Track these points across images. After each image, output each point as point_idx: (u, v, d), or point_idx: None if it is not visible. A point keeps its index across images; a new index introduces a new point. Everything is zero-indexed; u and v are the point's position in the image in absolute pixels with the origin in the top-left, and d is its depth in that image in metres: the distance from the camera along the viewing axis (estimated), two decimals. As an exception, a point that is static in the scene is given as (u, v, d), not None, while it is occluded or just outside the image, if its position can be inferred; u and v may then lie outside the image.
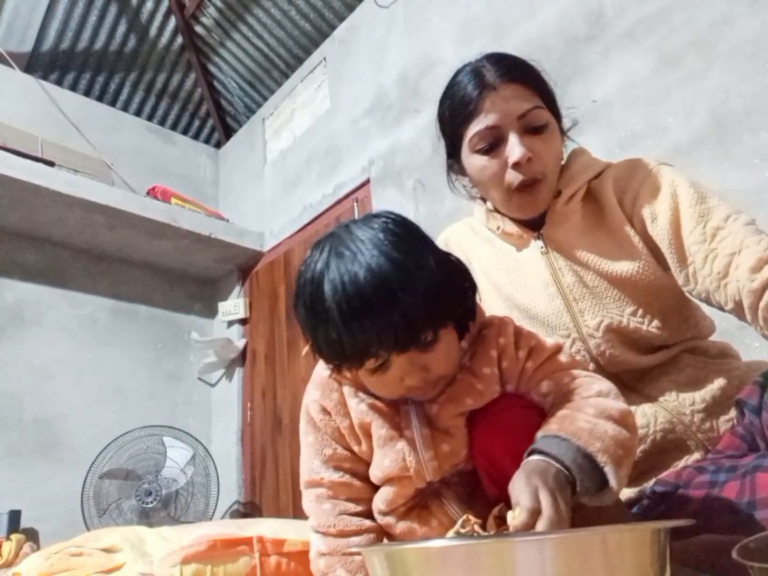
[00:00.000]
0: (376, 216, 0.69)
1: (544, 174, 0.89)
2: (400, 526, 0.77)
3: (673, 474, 0.80)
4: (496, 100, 0.88)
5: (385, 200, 2.47)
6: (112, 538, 1.30)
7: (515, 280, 0.96)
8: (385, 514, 0.78)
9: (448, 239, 1.09)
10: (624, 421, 0.66)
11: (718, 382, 0.86)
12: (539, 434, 0.64)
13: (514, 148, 0.87)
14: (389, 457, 0.74)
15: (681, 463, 0.83)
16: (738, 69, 1.48)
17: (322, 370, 0.80)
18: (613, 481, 0.60)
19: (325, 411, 0.79)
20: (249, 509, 2.96)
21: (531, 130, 0.88)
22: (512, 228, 0.97)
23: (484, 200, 1.04)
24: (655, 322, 0.88)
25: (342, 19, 2.96)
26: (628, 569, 0.45)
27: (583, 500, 0.61)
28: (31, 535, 2.38)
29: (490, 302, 0.98)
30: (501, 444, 0.71)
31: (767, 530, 0.54)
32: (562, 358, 0.76)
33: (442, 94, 0.97)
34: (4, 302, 2.71)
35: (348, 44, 2.89)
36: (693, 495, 0.73)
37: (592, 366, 0.89)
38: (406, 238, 0.66)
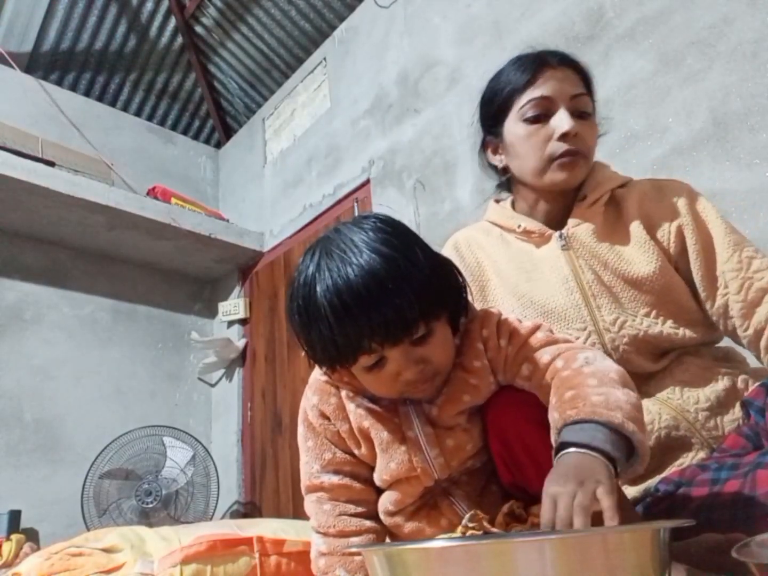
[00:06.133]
0: (365, 217, 0.70)
1: (584, 154, 0.94)
2: (409, 526, 0.77)
3: (677, 472, 0.81)
4: (555, 75, 0.94)
5: (385, 200, 2.46)
6: (112, 538, 1.30)
7: (534, 277, 0.97)
8: (393, 514, 0.78)
9: (458, 242, 1.09)
10: (625, 381, 0.66)
11: (723, 383, 0.87)
12: (558, 424, 0.63)
13: (564, 120, 0.92)
14: (395, 459, 0.74)
15: (686, 462, 0.83)
16: (738, 69, 1.48)
17: (319, 375, 0.80)
18: (642, 448, 0.60)
19: (324, 416, 0.79)
20: (249, 509, 2.96)
21: (578, 114, 0.94)
22: (534, 225, 0.99)
23: (505, 194, 1.08)
24: (669, 323, 0.90)
25: (342, 19, 2.96)
26: (628, 569, 0.45)
27: (621, 478, 0.61)
28: (31, 535, 2.37)
29: (503, 301, 0.99)
30: (514, 425, 0.71)
31: (767, 526, 0.54)
32: (540, 335, 0.75)
33: (498, 71, 1.02)
34: (4, 302, 2.71)
35: (348, 44, 2.88)
36: (695, 492, 0.74)
37: None
38: (394, 234, 0.67)
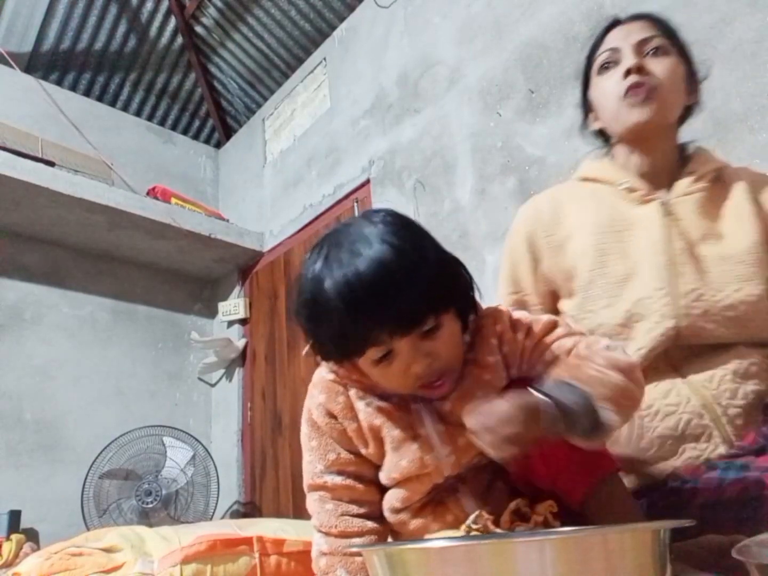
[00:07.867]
0: (376, 212, 0.71)
1: (653, 87, 0.94)
2: (414, 523, 0.77)
3: (690, 469, 0.80)
4: (622, 29, 1.00)
5: (385, 200, 2.46)
6: (112, 538, 1.30)
7: (624, 238, 0.97)
8: (398, 511, 0.78)
9: (537, 201, 1.10)
10: (631, 374, 0.66)
11: (766, 383, 0.85)
12: (549, 380, 0.65)
13: (627, 58, 0.96)
14: (406, 457, 0.74)
15: (704, 455, 0.82)
16: (738, 69, 1.48)
17: (325, 373, 0.80)
18: (606, 418, 0.61)
19: (331, 415, 0.79)
20: (249, 509, 2.96)
21: (649, 53, 0.96)
22: (639, 185, 0.99)
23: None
24: (747, 305, 0.87)
25: (342, 19, 2.96)
26: (629, 569, 0.45)
27: (576, 440, 0.62)
28: (31, 535, 2.37)
29: (581, 257, 0.98)
30: None
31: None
32: (560, 329, 0.76)
33: None
34: (4, 302, 2.71)
35: (348, 44, 2.88)
36: (701, 489, 0.73)
37: (672, 323, 0.88)
38: (404, 228, 0.67)
